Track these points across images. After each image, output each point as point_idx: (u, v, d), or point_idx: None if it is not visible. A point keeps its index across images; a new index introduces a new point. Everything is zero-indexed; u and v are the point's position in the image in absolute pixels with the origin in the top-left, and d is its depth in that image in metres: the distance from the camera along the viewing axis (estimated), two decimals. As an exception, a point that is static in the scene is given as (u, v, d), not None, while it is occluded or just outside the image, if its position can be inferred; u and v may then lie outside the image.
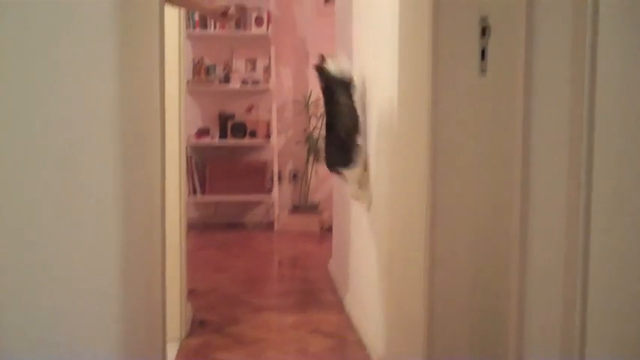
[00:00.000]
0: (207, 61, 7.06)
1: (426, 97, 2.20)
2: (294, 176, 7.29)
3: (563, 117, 1.66)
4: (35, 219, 1.70)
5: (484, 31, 2.12)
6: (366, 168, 3.46)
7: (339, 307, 4.18)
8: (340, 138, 3.42)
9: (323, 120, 6.87)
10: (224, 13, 3.35)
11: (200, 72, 7.01)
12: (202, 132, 7.00)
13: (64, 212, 1.72)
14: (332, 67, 3.42)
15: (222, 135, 6.99)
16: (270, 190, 7.03)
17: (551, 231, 1.76)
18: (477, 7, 2.13)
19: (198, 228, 6.83)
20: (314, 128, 6.99)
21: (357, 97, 3.47)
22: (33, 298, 1.71)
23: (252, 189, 6.98)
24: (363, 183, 3.50)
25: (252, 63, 7.14)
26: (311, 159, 7.01)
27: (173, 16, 3.39)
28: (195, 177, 6.92)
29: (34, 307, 1.71)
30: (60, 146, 1.71)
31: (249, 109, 7.12)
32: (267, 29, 6.91)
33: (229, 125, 6.96)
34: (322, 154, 6.93)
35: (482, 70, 2.13)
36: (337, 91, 3.41)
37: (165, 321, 2.38)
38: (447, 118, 2.17)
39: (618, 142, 1.45)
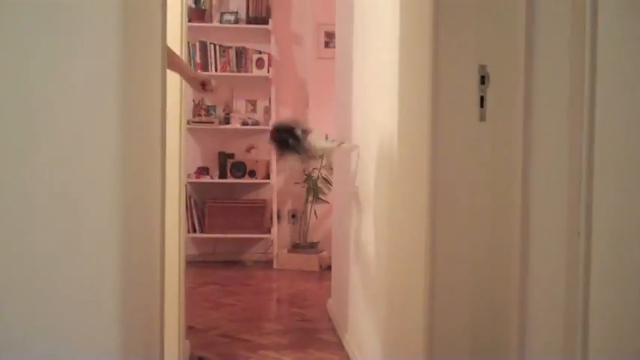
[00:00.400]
0: (208, 102, 7.13)
1: (425, 144, 2.23)
2: (293, 215, 7.31)
3: (562, 163, 1.69)
4: (35, 252, 1.71)
5: (483, 79, 2.16)
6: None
7: (338, 346, 4.17)
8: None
9: (323, 161, 6.93)
10: (204, 84, 3.39)
11: (200, 112, 7.07)
12: (202, 171, 7.04)
13: (65, 247, 1.73)
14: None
15: (222, 174, 7.02)
16: (269, 229, 7.05)
17: (550, 277, 1.77)
18: (476, 55, 2.17)
19: (197, 265, 6.83)
20: (313, 169, 7.03)
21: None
22: (34, 328, 1.72)
23: (251, 227, 6.99)
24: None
25: (253, 104, 7.21)
26: (310, 198, 7.04)
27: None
28: (195, 215, 6.94)
29: (35, 335, 1.72)
30: (59, 185, 1.73)
31: (249, 149, 7.16)
32: (268, 71, 6.99)
33: (229, 164, 7.00)
34: (322, 194, 6.97)
35: (482, 117, 2.16)
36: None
37: (164, 357, 2.39)
38: (447, 164, 2.20)
39: (617, 184, 1.48)
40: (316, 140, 3.72)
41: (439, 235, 2.22)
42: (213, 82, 3.44)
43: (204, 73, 6.78)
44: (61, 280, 1.74)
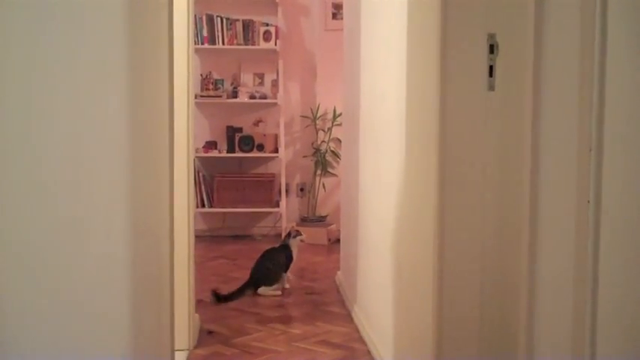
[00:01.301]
0: (215, 75, 7.11)
1: (434, 114, 2.22)
2: (302, 189, 7.31)
3: (571, 132, 1.68)
4: (44, 231, 1.72)
5: (492, 48, 2.14)
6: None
7: (347, 318, 4.19)
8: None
9: (331, 134, 6.91)
10: None
11: (208, 86, 7.05)
12: (210, 145, 7.04)
13: (73, 224, 1.74)
14: None
15: (230, 148, 7.02)
16: (277, 203, 7.06)
17: (560, 243, 1.77)
18: (485, 24, 2.15)
19: (206, 240, 6.85)
20: (322, 142, 7.02)
21: None
22: (42, 306, 1.73)
23: (260, 201, 7.00)
24: None
25: (260, 77, 7.18)
26: (319, 172, 7.04)
27: (182, 30, 3.42)
28: (204, 189, 6.95)
29: (43, 314, 1.73)
30: (69, 160, 1.73)
31: (257, 123, 7.15)
32: (276, 44, 6.95)
33: (237, 138, 6.98)
34: (330, 167, 6.97)
35: (491, 87, 2.15)
36: None
37: (174, 332, 2.41)
38: (456, 134, 2.19)
39: (627, 154, 1.47)
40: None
41: (448, 205, 2.21)
42: None
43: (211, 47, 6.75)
44: (71, 256, 1.74)
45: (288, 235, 5.15)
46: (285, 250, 5.03)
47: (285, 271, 4.95)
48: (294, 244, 5.06)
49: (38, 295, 1.72)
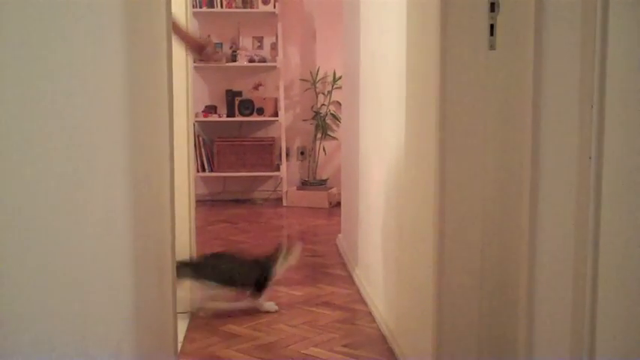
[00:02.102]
0: (214, 39, 7.06)
1: (434, 74, 2.21)
2: (302, 153, 7.31)
3: (573, 91, 1.67)
4: (45, 193, 1.72)
5: (493, 7, 2.12)
6: None
7: (348, 280, 4.21)
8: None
9: (331, 97, 6.88)
10: (201, 48, 3.28)
11: (207, 49, 6.99)
12: (210, 109, 7.02)
13: (75, 187, 1.73)
14: None
15: (230, 112, 7.00)
16: (278, 167, 7.06)
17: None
18: (486, -18, 2.13)
19: (207, 204, 6.87)
20: (321, 105, 7.00)
21: None
22: (42, 270, 1.74)
23: (260, 165, 7.00)
24: None
25: (259, 40, 7.14)
26: (319, 135, 7.03)
27: (180, -7, 3.39)
28: (204, 153, 6.95)
29: (43, 278, 1.74)
30: (68, 122, 1.72)
31: (257, 87, 7.12)
32: (274, 6, 6.89)
33: (237, 102, 6.97)
34: (330, 131, 6.95)
35: (492, 46, 2.13)
36: None
37: (176, 295, 2.42)
38: (456, 94, 2.18)
39: (630, 119, 1.46)
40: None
41: (449, 164, 2.21)
42: (210, 47, 3.35)
43: (210, 10, 6.71)
44: (70, 221, 1.74)
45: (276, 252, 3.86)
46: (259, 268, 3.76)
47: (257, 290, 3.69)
48: (281, 266, 3.82)
49: (37, 257, 1.73)
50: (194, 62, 5.01)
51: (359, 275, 4.10)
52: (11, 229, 1.70)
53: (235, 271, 3.66)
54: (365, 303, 3.74)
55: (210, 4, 6.88)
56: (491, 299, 2.23)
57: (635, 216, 1.42)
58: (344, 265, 4.57)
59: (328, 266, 4.60)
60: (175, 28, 3.13)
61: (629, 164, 1.45)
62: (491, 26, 2.12)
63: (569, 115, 1.68)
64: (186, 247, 3.53)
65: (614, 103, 1.50)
